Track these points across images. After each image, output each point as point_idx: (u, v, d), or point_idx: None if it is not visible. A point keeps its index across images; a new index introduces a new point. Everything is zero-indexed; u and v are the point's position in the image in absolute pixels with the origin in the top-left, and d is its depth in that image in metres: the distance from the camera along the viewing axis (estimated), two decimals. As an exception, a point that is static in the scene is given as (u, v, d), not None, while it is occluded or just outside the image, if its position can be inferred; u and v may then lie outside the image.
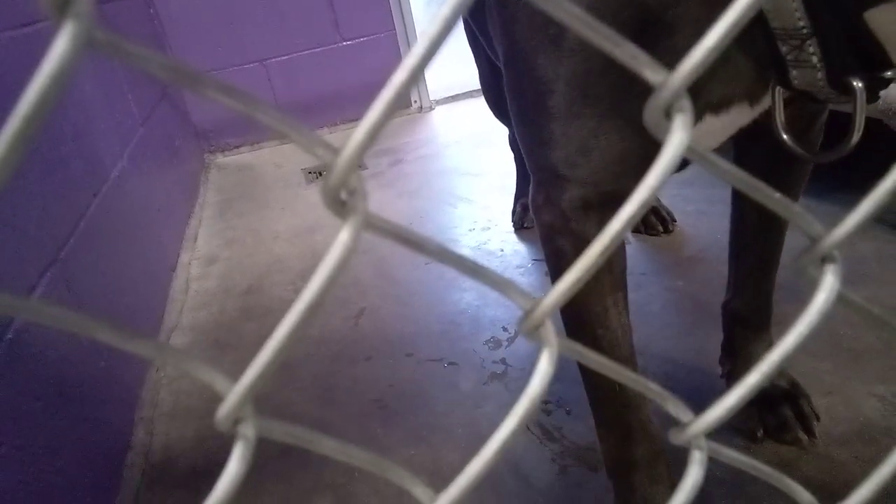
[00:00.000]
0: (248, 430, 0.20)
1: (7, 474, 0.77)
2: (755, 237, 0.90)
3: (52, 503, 0.85)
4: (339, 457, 0.23)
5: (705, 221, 1.56)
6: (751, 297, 0.95)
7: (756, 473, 0.29)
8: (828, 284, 0.24)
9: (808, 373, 1.02)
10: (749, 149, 0.82)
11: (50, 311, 0.18)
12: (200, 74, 0.17)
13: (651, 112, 0.21)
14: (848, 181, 1.40)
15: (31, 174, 1.04)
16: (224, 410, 0.19)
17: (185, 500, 1.04)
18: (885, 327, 0.30)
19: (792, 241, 0.89)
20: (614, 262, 0.70)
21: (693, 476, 0.26)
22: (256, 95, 0.18)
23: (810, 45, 0.51)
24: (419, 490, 0.24)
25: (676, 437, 0.26)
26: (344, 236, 0.18)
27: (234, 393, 0.19)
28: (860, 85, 0.51)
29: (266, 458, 1.06)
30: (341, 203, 0.18)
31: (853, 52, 0.50)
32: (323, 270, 0.18)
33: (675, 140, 0.20)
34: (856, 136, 0.54)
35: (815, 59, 0.51)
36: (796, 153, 0.60)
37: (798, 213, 0.24)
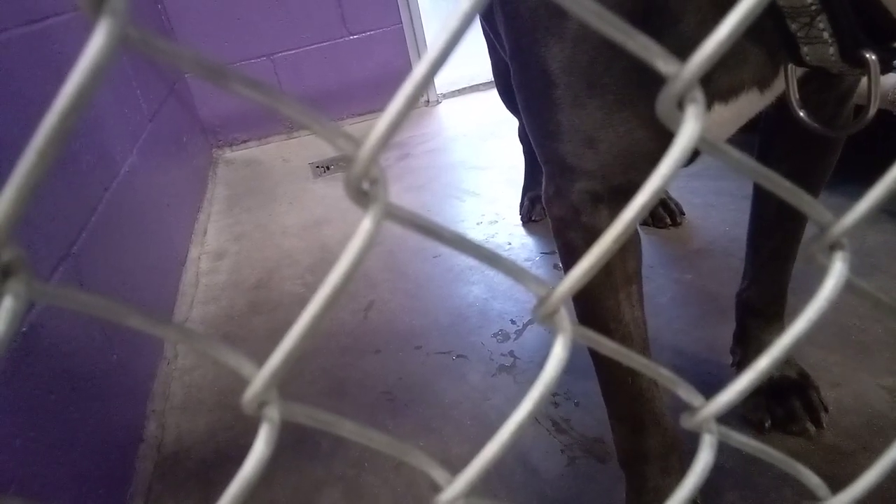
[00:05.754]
0: (273, 413, 0.20)
1: (21, 466, 0.78)
2: (775, 227, 0.90)
3: (66, 495, 0.86)
4: (358, 439, 0.24)
5: (713, 214, 1.56)
6: (766, 286, 0.95)
7: (765, 458, 0.29)
8: (836, 271, 0.25)
9: (816, 364, 1.02)
10: (773, 139, 0.82)
11: (81, 297, 0.19)
12: (226, 69, 0.18)
13: (663, 102, 0.21)
14: (856, 174, 1.40)
15: (43, 169, 1.04)
16: (250, 393, 0.20)
17: (196, 492, 1.05)
18: (894, 319, 0.30)
19: (809, 235, 0.89)
20: (628, 255, 0.69)
21: (704, 459, 0.26)
22: (278, 88, 0.19)
23: (820, 22, 0.50)
24: (437, 472, 0.24)
25: (687, 422, 0.27)
26: (367, 224, 0.19)
27: (261, 377, 0.20)
28: (873, 57, 0.50)
29: (277, 449, 1.07)
30: (363, 193, 0.19)
31: (864, 24, 0.50)
32: (347, 257, 0.19)
33: (688, 130, 0.21)
34: (873, 109, 0.53)
35: (825, 34, 0.51)
36: (813, 128, 0.59)
37: (808, 200, 0.24)
